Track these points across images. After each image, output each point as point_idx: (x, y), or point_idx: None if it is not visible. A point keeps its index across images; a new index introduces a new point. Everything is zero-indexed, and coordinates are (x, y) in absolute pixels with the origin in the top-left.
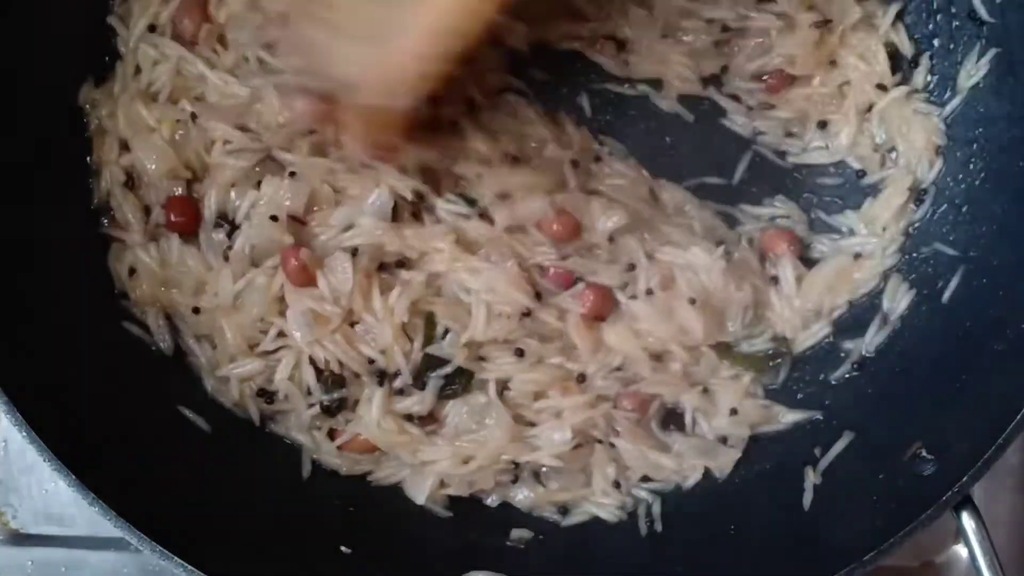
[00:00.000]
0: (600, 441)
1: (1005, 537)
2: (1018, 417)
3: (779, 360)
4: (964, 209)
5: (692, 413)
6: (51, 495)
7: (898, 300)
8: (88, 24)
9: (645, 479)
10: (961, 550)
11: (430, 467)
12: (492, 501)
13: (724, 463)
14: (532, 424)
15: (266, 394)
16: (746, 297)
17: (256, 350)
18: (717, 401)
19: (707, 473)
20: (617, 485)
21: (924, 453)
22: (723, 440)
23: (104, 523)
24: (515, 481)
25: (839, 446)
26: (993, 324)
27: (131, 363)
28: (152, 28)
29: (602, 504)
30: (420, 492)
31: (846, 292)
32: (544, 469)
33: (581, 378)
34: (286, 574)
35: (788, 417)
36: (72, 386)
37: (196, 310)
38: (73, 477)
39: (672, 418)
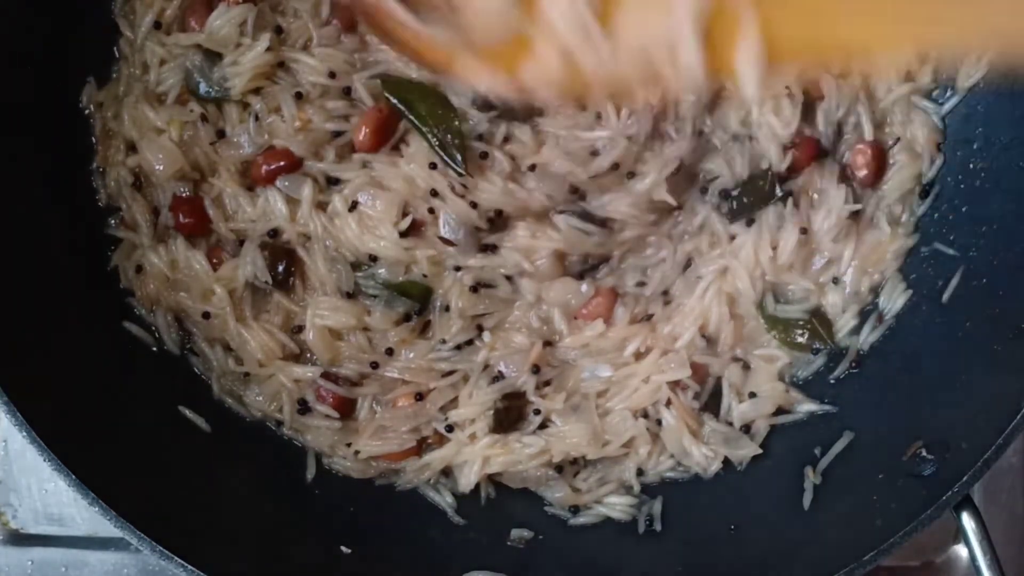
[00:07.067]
0: (647, 416)
1: (1005, 537)
2: (1018, 417)
3: (819, 347)
4: (964, 209)
5: (729, 393)
6: (51, 495)
7: (894, 300)
8: (90, 24)
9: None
10: (961, 550)
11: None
12: (491, 495)
13: (744, 454)
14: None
15: (303, 403)
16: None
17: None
18: (752, 380)
19: (725, 464)
20: (640, 473)
21: (924, 453)
22: (746, 429)
23: (104, 523)
24: (559, 473)
25: (839, 446)
26: (993, 324)
27: (132, 363)
28: (158, 25)
29: (614, 504)
30: (467, 480)
31: (876, 270)
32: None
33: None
34: (286, 574)
35: (804, 406)
36: (73, 386)
37: (206, 315)
38: (73, 477)
39: (709, 404)
